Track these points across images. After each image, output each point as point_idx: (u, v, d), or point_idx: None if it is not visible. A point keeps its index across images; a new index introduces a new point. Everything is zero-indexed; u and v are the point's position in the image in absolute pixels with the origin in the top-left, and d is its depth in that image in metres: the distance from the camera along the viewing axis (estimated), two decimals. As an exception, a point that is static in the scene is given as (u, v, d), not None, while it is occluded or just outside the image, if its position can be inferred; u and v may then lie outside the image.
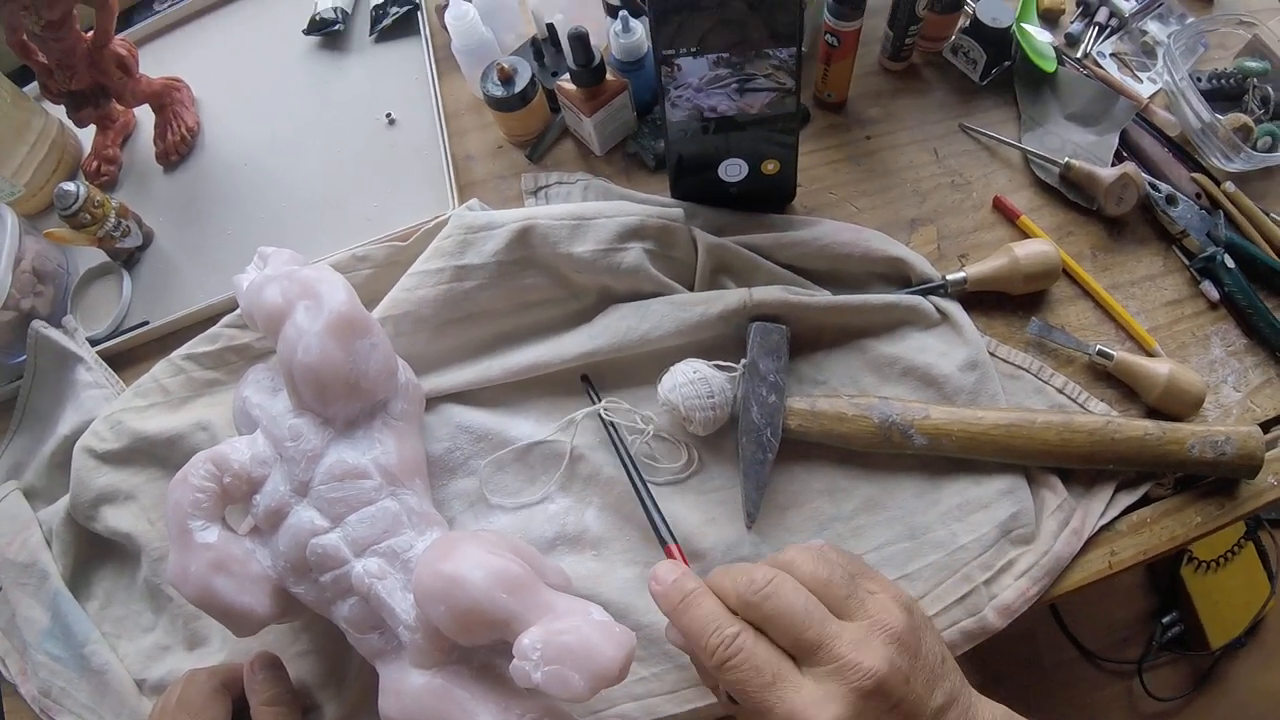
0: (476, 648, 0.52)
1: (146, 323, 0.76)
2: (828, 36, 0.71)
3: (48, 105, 0.85)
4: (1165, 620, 1.53)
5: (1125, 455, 0.62)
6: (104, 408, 0.70)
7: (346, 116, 0.83)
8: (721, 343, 0.66)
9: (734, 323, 0.65)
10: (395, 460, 0.56)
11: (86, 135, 0.87)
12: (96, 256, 0.80)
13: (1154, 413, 0.67)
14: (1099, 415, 0.64)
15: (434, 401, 0.66)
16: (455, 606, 0.48)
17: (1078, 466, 0.64)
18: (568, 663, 0.45)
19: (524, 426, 0.66)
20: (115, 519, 0.67)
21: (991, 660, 1.54)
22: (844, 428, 0.62)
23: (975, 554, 0.61)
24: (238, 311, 0.70)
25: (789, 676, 0.43)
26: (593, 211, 0.66)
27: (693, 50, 0.58)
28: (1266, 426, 0.68)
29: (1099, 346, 0.67)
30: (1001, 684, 1.52)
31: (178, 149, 0.84)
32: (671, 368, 0.62)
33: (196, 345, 0.71)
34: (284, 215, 0.79)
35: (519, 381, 0.67)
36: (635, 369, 0.67)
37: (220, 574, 0.53)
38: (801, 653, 0.44)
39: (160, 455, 0.68)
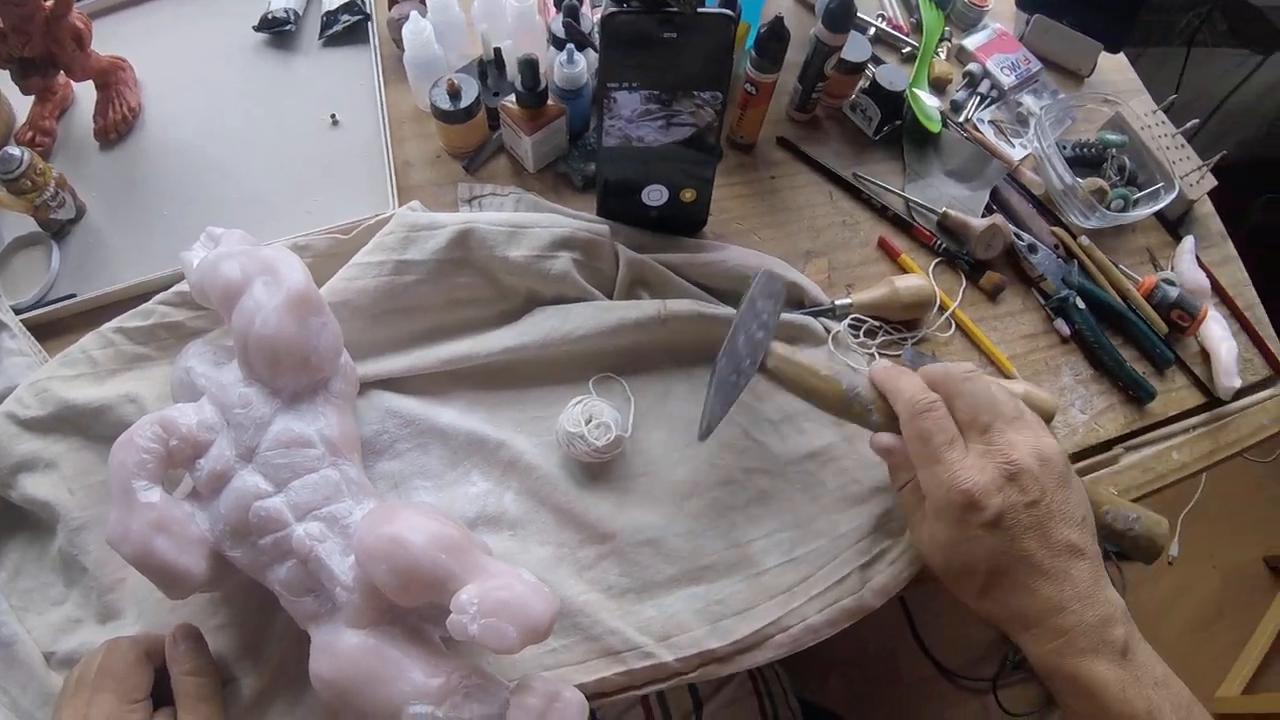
0: (409, 611, 0.57)
1: (74, 295, 0.77)
2: (747, 85, 0.82)
3: (-14, 68, 0.86)
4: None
5: None
6: (28, 375, 0.71)
7: (291, 114, 0.88)
8: (636, 347, 0.75)
9: (649, 329, 0.74)
10: (337, 433, 0.61)
11: (21, 104, 0.88)
12: (24, 225, 0.81)
13: None
14: None
15: (365, 387, 0.71)
16: (397, 565, 0.52)
17: None
18: (503, 616, 0.50)
19: (450, 414, 0.72)
20: (34, 487, 0.68)
21: (855, 673, 1.65)
22: (814, 382, 0.68)
23: (853, 541, 0.71)
24: (173, 290, 0.73)
25: (959, 442, 0.59)
26: (528, 221, 0.75)
27: (630, 85, 0.67)
28: (1108, 445, 0.83)
29: (964, 366, 0.79)
30: (863, 696, 1.64)
31: (118, 128, 0.86)
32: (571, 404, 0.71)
33: (128, 320, 0.73)
34: (222, 203, 0.83)
35: (447, 372, 0.73)
36: (557, 366, 0.75)
37: (161, 534, 0.56)
38: (972, 431, 0.59)
39: (85, 425, 0.70)
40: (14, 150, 0.76)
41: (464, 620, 0.50)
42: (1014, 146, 0.98)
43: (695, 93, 0.68)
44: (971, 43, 1.02)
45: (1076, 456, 0.82)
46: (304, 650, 0.58)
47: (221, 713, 0.61)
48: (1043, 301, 0.88)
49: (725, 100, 0.69)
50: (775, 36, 0.78)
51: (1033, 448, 0.58)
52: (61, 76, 0.87)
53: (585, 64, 0.82)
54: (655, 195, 0.77)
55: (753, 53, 0.80)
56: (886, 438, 0.64)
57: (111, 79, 0.87)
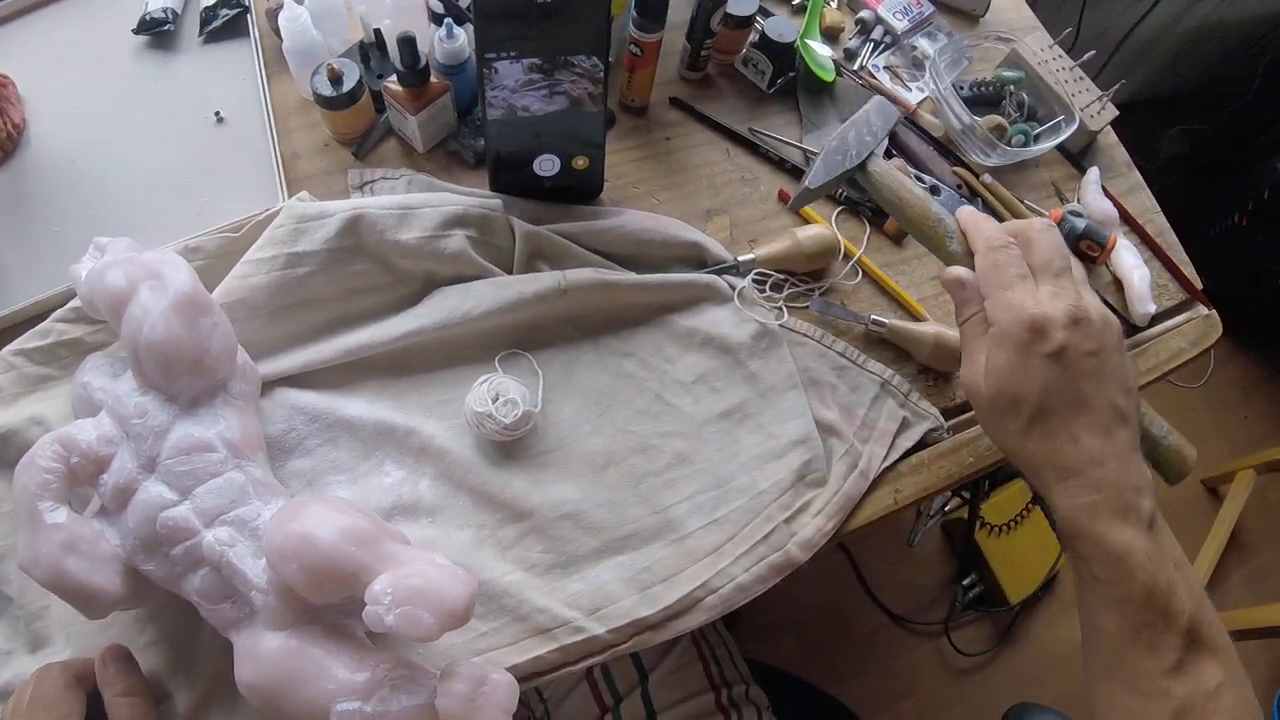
0: (328, 608, 0.56)
1: None
2: (632, 47, 0.82)
3: None
4: (965, 582, 1.71)
5: None
6: None
7: (175, 115, 0.87)
8: (538, 320, 0.75)
9: (550, 301, 0.73)
10: (239, 434, 0.61)
11: None
12: None
13: (925, 370, 0.80)
14: None
15: (268, 386, 0.70)
16: (307, 562, 0.52)
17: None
18: (418, 603, 0.50)
19: (357, 405, 0.71)
20: None
21: (807, 632, 1.68)
22: (905, 194, 0.71)
23: (775, 497, 0.72)
24: (68, 306, 0.72)
25: (1030, 278, 0.58)
26: (418, 201, 0.74)
27: (510, 55, 0.66)
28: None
29: (873, 316, 0.80)
30: (817, 653, 1.66)
31: (3, 145, 0.84)
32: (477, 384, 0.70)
33: (27, 341, 0.71)
34: (113, 212, 0.82)
35: (350, 363, 0.72)
36: (460, 346, 0.74)
37: (71, 554, 0.55)
38: (1044, 274, 0.58)
39: None
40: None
41: (379, 611, 0.50)
42: (911, 91, 0.98)
43: (575, 59, 0.68)
44: (862, -12, 1.01)
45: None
46: (232, 659, 0.58)
47: None
48: (947, 241, 0.88)
49: (609, 64, 0.69)
50: (655, -5, 0.78)
51: (1098, 305, 0.58)
52: (-57, 99, 0.84)
53: (466, 38, 0.81)
54: (547, 165, 0.77)
55: (635, 13, 0.80)
56: (960, 270, 0.63)
57: (-8, 96, 0.85)
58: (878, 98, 0.77)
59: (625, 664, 0.86)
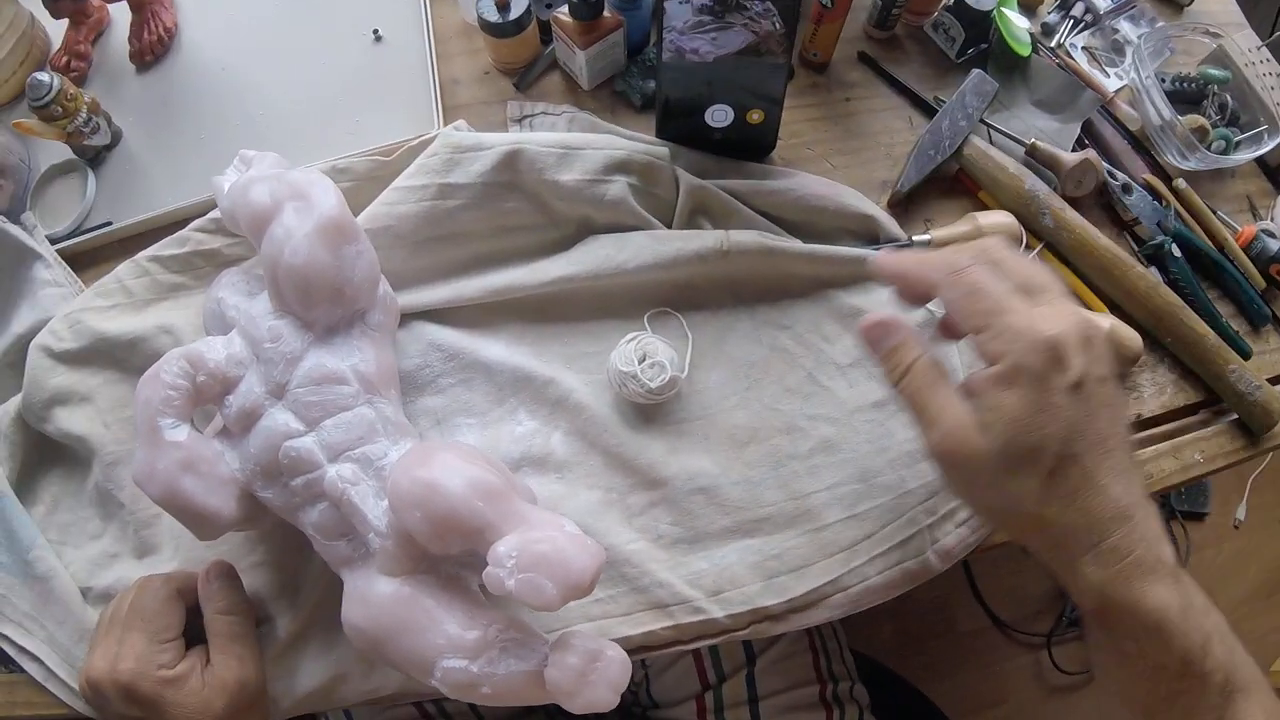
0: (445, 558, 0.54)
1: (110, 223, 0.74)
2: (821, -1, 0.74)
3: (19, -6, 0.82)
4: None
5: (1184, 338, 0.73)
6: (62, 306, 0.69)
7: (331, 30, 0.83)
8: (694, 280, 0.69)
9: (709, 261, 0.67)
10: (374, 369, 0.57)
11: (56, 29, 0.84)
12: (60, 153, 0.78)
13: None
14: (1177, 299, 0.74)
15: (407, 318, 0.67)
16: (432, 512, 0.49)
17: (1145, 322, 0.74)
18: (542, 571, 0.46)
19: (496, 348, 0.67)
20: (69, 421, 0.66)
21: (910, 624, 1.62)
22: (1000, 175, 0.71)
23: (921, 499, 0.65)
24: (208, 216, 0.70)
25: (1018, 294, 0.46)
26: (581, 142, 0.68)
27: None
28: (1195, 408, 0.75)
29: None
30: (915, 646, 1.60)
31: (153, 49, 0.82)
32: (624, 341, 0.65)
33: (163, 248, 0.69)
34: (262, 124, 0.78)
35: (493, 303, 0.68)
36: (609, 299, 0.69)
37: (188, 474, 0.53)
38: (1031, 292, 0.46)
39: (120, 357, 0.67)
40: (43, 76, 0.72)
41: (501, 574, 0.47)
42: (1109, 76, 0.88)
43: (745, 4, 0.61)
44: (1066, -41, 0.91)
45: (1162, 418, 0.74)
46: (340, 594, 0.55)
47: (254, 652, 0.59)
48: (1136, 248, 0.79)
49: (796, 12, 0.61)
50: (854, -58, 0.70)
51: (1092, 327, 0.46)
52: (94, -1, 0.82)
53: (645, -28, 0.74)
54: (719, 116, 0.69)
55: (829, -40, 0.72)
56: (878, 314, 0.52)
57: None
58: (976, 73, 0.75)
59: (734, 644, 0.81)
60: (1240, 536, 1.76)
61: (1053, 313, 0.45)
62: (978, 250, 0.48)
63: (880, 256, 0.52)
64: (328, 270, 0.55)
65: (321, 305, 0.56)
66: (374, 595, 0.52)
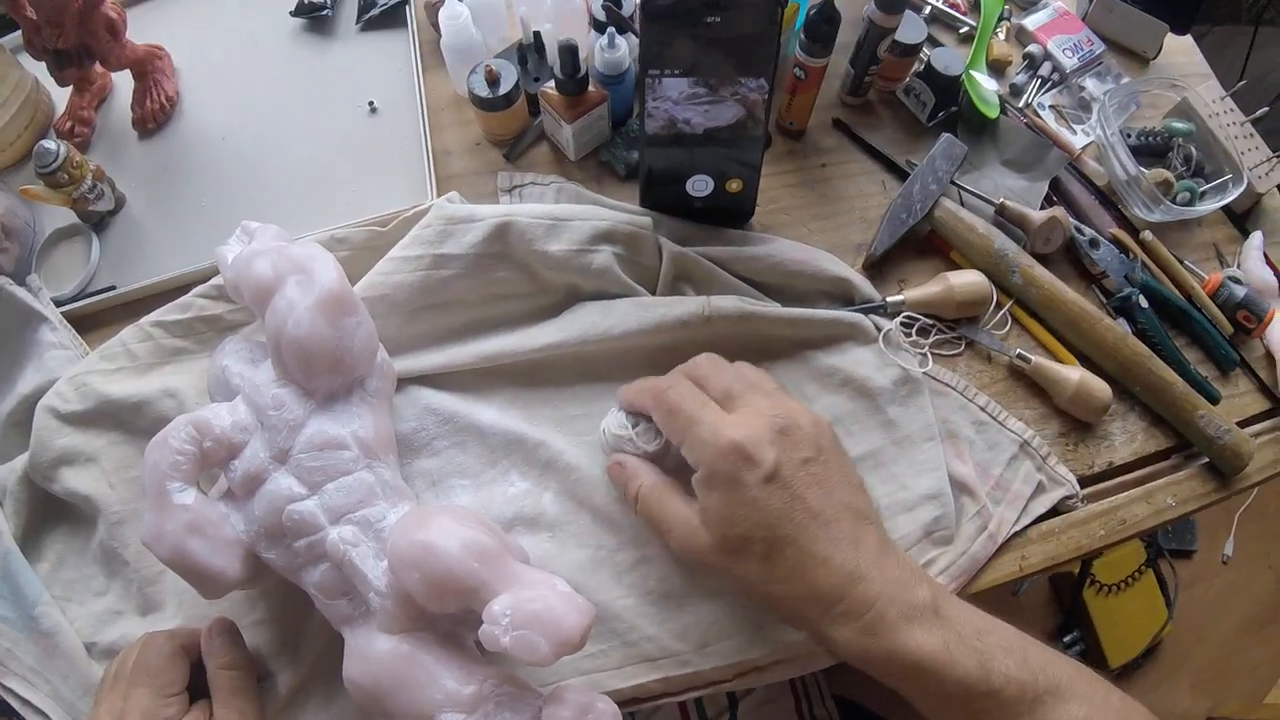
0: (442, 616, 0.55)
1: (114, 287, 0.76)
2: (796, 70, 0.77)
3: (23, 59, 0.85)
4: (1067, 639, 1.63)
5: (1152, 386, 0.76)
6: (68, 369, 0.70)
7: (328, 101, 0.85)
8: (679, 345, 0.70)
9: (692, 327, 0.69)
10: (372, 434, 0.59)
11: (60, 95, 0.87)
12: (64, 217, 0.79)
13: (1065, 434, 0.75)
14: (1145, 349, 0.77)
15: (403, 383, 0.69)
16: (429, 572, 0.51)
17: (1114, 372, 0.77)
18: (534, 628, 0.48)
19: (488, 412, 0.69)
20: (75, 480, 0.67)
21: None
22: (970, 236, 0.75)
23: (904, 549, 0.66)
24: (210, 282, 0.72)
25: (713, 405, 0.53)
26: (568, 214, 0.71)
27: (673, 72, 0.63)
28: (1167, 453, 0.77)
29: (1018, 351, 0.75)
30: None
31: (156, 117, 0.84)
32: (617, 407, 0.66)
33: (167, 313, 0.71)
34: (261, 193, 0.81)
35: (486, 369, 0.70)
36: (596, 364, 0.71)
37: (195, 536, 0.55)
38: (729, 400, 0.54)
39: (124, 420, 0.69)
40: (50, 144, 0.74)
41: (496, 631, 0.49)
42: (1075, 134, 0.91)
43: (740, 79, 0.64)
44: (1032, 22, 0.95)
45: (1134, 465, 0.77)
46: (340, 649, 0.57)
47: (256, 707, 0.59)
48: (1104, 300, 0.82)
49: (772, 86, 0.64)
50: (826, 19, 0.73)
51: (802, 408, 0.54)
52: (98, 66, 0.85)
53: (627, 48, 0.77)
54: (700, 185, 0.73)
55: (802, 35, 0.75)
56: (614, 456, 0.62)
57: (149, 68, 0.85)
58: (946, 137, 0.79)
59: None
60: (1229, 571, 1.78)
61: (741, 419, 0.52)
62: (686, 368, 0.58)
63: (618, 390, 0.63)
64: (328, 341, 0.57)
65: (322, 374, 0.58)
66: (374, 652, 0.54)
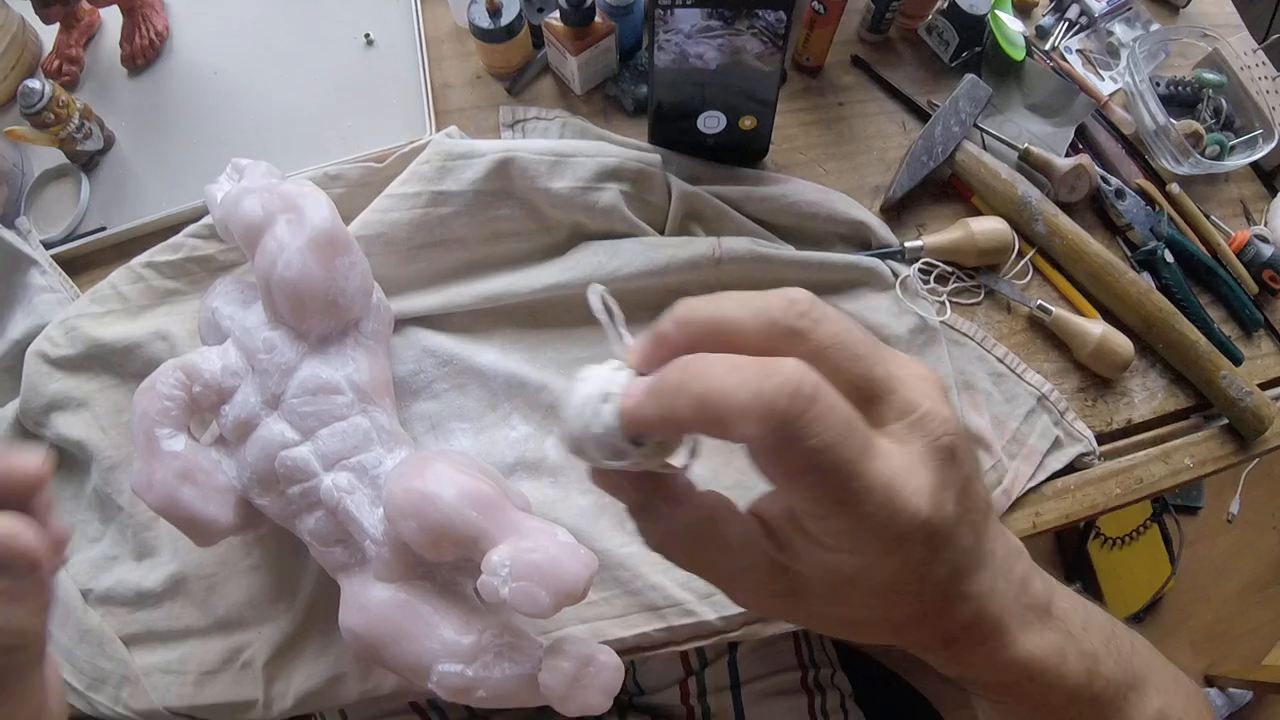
0: (440, 565, 0.54)
1: (104, 228, 0.73)
2: (815, 3, 0.73)
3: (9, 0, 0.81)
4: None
5: (1175, 344, 0.73)
6: (58, 312, 0.68)
7: (323, 34, 0.81)
8: (686, 286, 0.68)
9: (701, 268, 0.67)
10: (368, 378, 0.57)
11: (47, 34, 0.83)
12: (53, 158, 0.76)
13: (1084, 389, 0.73)
14: (1169, 305, 0.74)
15: (401, 324, 0.67)
16: (426, 522, 0.49)
17: (1137, 328, 0.74)
18: (535, 579, 0.46)
19: (489, 354, 0.67)
20: (66, 426, 0.66)
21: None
22: (993, 181, 0.72)
23: None
24: (202, 222, 0.69)
25: (872, 442, 0.28)
26: (572, 149, 0.67)
27: (687, 2, 0.59)
28: (1186, 412, 0.75)
29: (1039, 302, 0.73)
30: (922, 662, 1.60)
31: (145, 53, 0.80)
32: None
33: (158, 254, 0.69)
34: (254, 129, 0.77)
35: (486, 310, 0.68)
36: (601, 308, 0.69)
37: (186, 483, 0.53)
38: (870, 399, 0.30)
39: (116, 363, 0.67)
40: (34, 83, 0.71)
41: (494, 582, 0.47)
42: (1103, 80, 0.87)
43: (759, 11, 0.60)
44: (1060, -38, 0.90)
45: (1152, 423, 0.74)
46: (336, 594, 0.56)
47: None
48: (1128, 253, 0.79)
49: (790, 20, 0.61)
50: (848, -53, 0.69)
51: (939, 393, 0.31)
52: (85, 3, 0.81)
53: (637, -22, 0.73)
54: (712, 122, 0.69)
55: (823, -34, 0.71)
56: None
57: (137, 3, 0.80)
58: (970, 78, 0.75)
59: None
60: (1233, 531, 1.76)
61: (911, 459, 0.30)
62: (785, 341, 0.29)
63: (640, 403, 0.29)
64: (320, 283, 0.54)
65: (315, 317, 0.55)
66: (370, 601, 0.53)
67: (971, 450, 0.35)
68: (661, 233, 0.70)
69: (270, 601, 0.63)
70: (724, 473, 0.64)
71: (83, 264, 0.73)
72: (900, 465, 0.29)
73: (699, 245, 0.67)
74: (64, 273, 0.72)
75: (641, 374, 0.30)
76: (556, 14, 0.72)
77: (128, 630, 0.65)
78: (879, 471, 0.28)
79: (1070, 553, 1.66)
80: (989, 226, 0.72)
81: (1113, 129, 0.84)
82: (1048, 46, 0.87)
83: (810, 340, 0.28)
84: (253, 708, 0.63)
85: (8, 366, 0.69)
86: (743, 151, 0.74)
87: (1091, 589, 1.62)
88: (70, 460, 0.68)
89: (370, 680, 0.62)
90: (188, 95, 0.80)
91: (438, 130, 0.73)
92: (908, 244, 0.72)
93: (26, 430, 0.68)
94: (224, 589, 0.64)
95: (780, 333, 0.28)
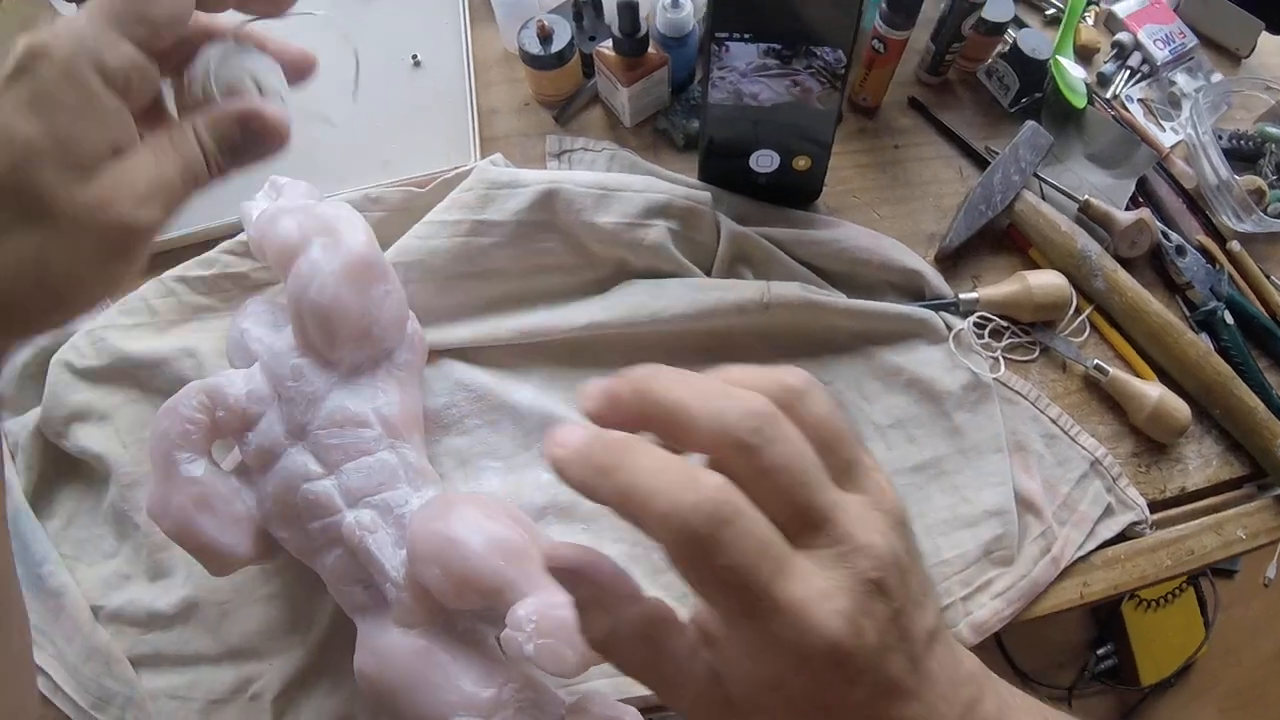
0: (462, 612, 0.51)
1: None
2: (874, 42, 0.70)
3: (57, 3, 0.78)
4: (1100, 651, 1.58)
5: (1233, 410, 0.70)
6: (85, 322, 0.66)
7: (370, 52, 0.78)
8: (732, 332, 0.65)
9: (749, 313, 0.63)
10: (397, 412, 0.54)
11: None
12: None
13: (1138, 454, 0.69)
14: (1228, 369, 0.70)
15: (435, 355, 0.64)
16: (450, 569, 0.46)
17: (1194, 392, 0.70)
18: (561, 637, 0.44)
19: (525, 391, 0.64)
20: (87, 438, 0.63)
21: None
22: (1054, 235, 0.70)
23: (957, 569, 0.62)
24: (237, 238, 0.67)
25: (790, 559, 0.28)
26: (620, 183, 0.65)
27: (744, 36, 0.56)
28: (1239, 481, 0.71)
29: (1096, 361, 0.69)
30: None
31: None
32: None
33: (190, 268, 0.67)
34: (294, 146, 0.73)
35: (524, 345, 0.65)
36: (643, 347, 0.66)
37: (203, 511, 0.51)
38: (802, 526, 0.29)
39: (141, 378, 0.64)
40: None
41: (519, 638, 0.44)
42: (1164, 131, 0.83)
43: (816, 49, 0.57)
44: (1122, 9, 0.86)
45: (1206, 491, 0.70)
46: (352, 632, 0.54)
47: None
48: (1187, 313, 0.75)
49: (850, 59, 0.58)
50: (911, -12, 0.66)
51: (886, 525, 0.30)
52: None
53: (691, 9, 0.70)
54: (765, 161, 0.66)
55: (883, 5, 0.68)
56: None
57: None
58: (1031, 125, 0.73)
59: None
60: (1270, 595, 1.69)
61: (827, 588, 0.30)
62: (730, 451, 0.28)
63: (564, 458, 0.29)
64: (354, 311, 0.52)
65: (347, 345, 0.53)
66: (387, 646, 0.50)
67: (912, 580, 0.31)
68: (708, 273, 0.67)
69: (284, 633, 0.61)
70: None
71: (113, 274, 0.71)
72: (818, 590, 0.28)
73: (747, 289, 0.63)
74: (90, 281, 0.69)
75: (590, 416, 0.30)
76: (609, 43, 0.69)
77: (137, 651, 0.62)
78: (791, 593, 0.27)
79: (1104, 614, 1.62)
80: (1047, 281, 0.69)
81: (1173, 182, 0.80)
82: (1109, 95, 0.83)
83: (757, 459, 0.28)
84: (259, 741, 0.60)
85: (32, 373, 0.67)
86: (795, 193, 0.71)
87: (1123, 652, 1.57)
88: (89, 472, 0.66)
89: (380, 725, 0.59)
90: (229, 107, 0.77)
91: (482, 156, 0.71)
92: (963, 296, 0.69)
93: (47, 439, 0.65)
94: (238, 616, 0.61)
95: (728, 443, 0.28)
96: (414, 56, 0.77)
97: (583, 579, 0.33)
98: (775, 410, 0.28)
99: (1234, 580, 1.67)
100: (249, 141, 0.39)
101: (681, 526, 0.26)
